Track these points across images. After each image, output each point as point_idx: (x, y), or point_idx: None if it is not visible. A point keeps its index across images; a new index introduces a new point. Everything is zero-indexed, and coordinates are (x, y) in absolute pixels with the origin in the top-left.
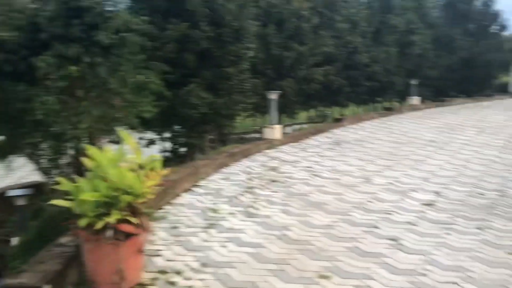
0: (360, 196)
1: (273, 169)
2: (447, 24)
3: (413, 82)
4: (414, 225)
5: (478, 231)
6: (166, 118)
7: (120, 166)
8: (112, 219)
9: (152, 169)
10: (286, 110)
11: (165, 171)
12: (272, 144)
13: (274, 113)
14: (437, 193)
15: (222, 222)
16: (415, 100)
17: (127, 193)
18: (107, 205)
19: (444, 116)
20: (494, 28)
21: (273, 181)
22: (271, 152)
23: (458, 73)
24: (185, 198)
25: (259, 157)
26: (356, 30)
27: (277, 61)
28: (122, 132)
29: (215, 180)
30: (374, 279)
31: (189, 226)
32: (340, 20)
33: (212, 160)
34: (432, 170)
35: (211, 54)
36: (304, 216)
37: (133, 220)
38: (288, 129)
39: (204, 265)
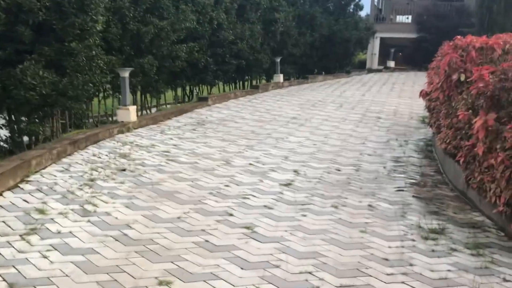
0: (217, 180)
1: (124, 155)
2: (308, 2)
3: (278, 59)
4: (270, 208)
5: (333, 209)
6: None
7: None
8: None
9: None
10: (150, 89)
11: None
12: (126, 127)
13: (127, 92)
14: (296, 171)
15: (48, 225)
16: (280, 77)
17: None
18: None
19: (307, 93)
20: (351, 8)
21: (122, 170)
22: (125, 137)
23: (320, 50)
24: (7, 198)
25: (109, 143)
26: (220, 6)
27: (135, 37)
28: None
29: (51, 173)
30: (222, 279)
31: (3, 235)
32: None
33: (49, 149)
34: (293, 147)
35: (51, 27)
36: (151, 209)
37: None
38: (153, 110)
39: (11, 286)
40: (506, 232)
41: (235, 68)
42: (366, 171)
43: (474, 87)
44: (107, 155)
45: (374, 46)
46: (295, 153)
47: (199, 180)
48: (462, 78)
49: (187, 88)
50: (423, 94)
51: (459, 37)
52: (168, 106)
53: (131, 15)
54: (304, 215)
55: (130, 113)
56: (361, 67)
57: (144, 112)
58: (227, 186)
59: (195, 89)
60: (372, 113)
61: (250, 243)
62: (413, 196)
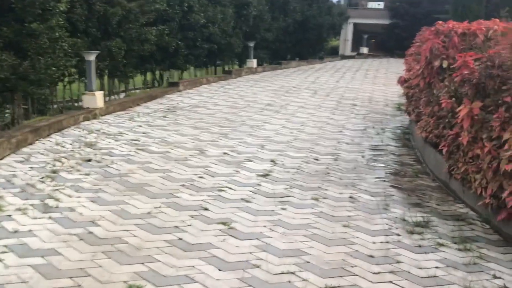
0: (190, 171)
1: (90, 145)
2: None
3: (251, 44)
4: (248, 202)
5: (314, 202)
6: None
7: None
8: None
9: None
10: (118, 74)
11: None
12: (92, 114)
13: (93, 77)
14: (273, 161)
15: (4, 223)
16: (253, 63)
17: None
18: None
19: (281, 78)
20: None
21: (87, 160)
22: (91, 124)
23: (293, 36)
24: None
25: (74, 131)
26: None
27: (101, 19)
28: None
29: (9, 164)
30: (198, 282)
31: None
32: None
33: (8, 138)
34: (269, 136)
35: (10, 7)
36: (120, 204)
37: None
38: (122, 96)
39: None
40: (491, 224)
41: (206, 52)
42: (345, 161)
43: (458, 74)
44: (71, 144)
45: (347, 32)
46: (272, 141)
47: (171, 171)
48: (445, 64)
49: (157, 72)
50: (401, 81)
51: (440, 22)
52: (137, 91)
53: None
54: (284, 209)
55: (97, 99)
56: (334, 53)
57: (113, 97)
58: (201, 177)
59: (166, 74)
60: (347, 100)
61: (227, 240)
62: (394, 187)
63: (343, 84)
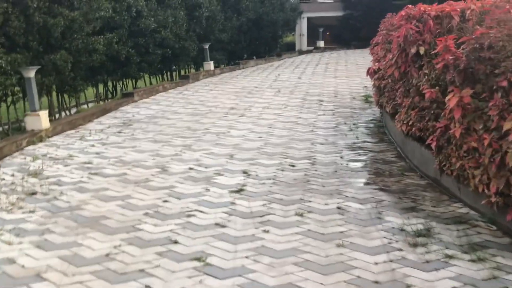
0: (153, 195)
1: (35, 174)
2: None
3: (206, 46)
4: (223, 227)
5: (298, 218)
6: None
7: None
8: None
9: None
10: (66, 89)
11: None
12: (38, 137)
13: (35, 95)
14: (245, 173)
15: None
16: (210, 65)
17: None
18: None
19: (241, 79)
20: None
21: (32, 193)
22: (36, 149)
23: (248, 35)
24: None
25: (17, 159)
26: None
27: (42, 31)
28: None
29: None
30: None
31: None
32: None
33: None
34: (237, 143)
35: None
36: (71, 246)
37: None
38: (74, 111)
39: None
40: (498, 225)
41: (160, 58)
42: (323, 164)
43: (440, 59)
44: (12, 176)
45: (302, 26)
46: (241, 149)
47: (130, 198)
48: (422, 51)
49: (110, 84)
50: (371, 73)
51: (410, 6)
52: (90, 105)
53: (35, 5)
54: (266, 231)
55: (42, 120)
56: (290, 49)
57: (64, 114)
58: (166, 201)
59: (119, 84)
60: (312, 96)
61: (204, 281)
62: (383, 190)
63: (305, 80)
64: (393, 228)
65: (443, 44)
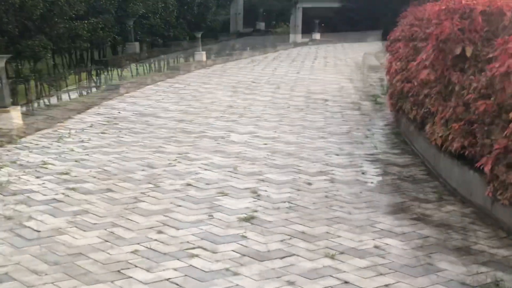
0: (144, 223)
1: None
2: None
3: (199, 35)
4: (235, 274)
5: (329, 262)
6: None
7: None
8: None
9: None
10: (46, 78)
11: None
12: (7, 137)
13: (5, 89)
14: (254, 192)
15: None
16: (202, 55)
17: None
18: None
19: (235, 72)
20: None
21: None
22: (3, 152)
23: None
24: None
25: None
26: None
27: (19, 13)
28: None
29: None
30: None
31: None
32: None
33: None
34: (239, 151)
35: None
36: None
37: None
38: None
39: None
40: None
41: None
42: (344, 183)
43: (497, 65)
44: None
45: (297, 17)
46: (245, 159)
47: (115, 226)
48: (469, 52)
49: (93, 73)
50: (391, 73)
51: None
52: (71, 95)
53: None
54: (291, 283)
55: (12, 117)
56: (284, 40)
57: (43, 103)
58: (160, 232)
59: (103, 73)
60: (315, 94)
61: None
62: (422, 220)
63: (304, 75)
64: (451, 280)
65: (503, 46)
